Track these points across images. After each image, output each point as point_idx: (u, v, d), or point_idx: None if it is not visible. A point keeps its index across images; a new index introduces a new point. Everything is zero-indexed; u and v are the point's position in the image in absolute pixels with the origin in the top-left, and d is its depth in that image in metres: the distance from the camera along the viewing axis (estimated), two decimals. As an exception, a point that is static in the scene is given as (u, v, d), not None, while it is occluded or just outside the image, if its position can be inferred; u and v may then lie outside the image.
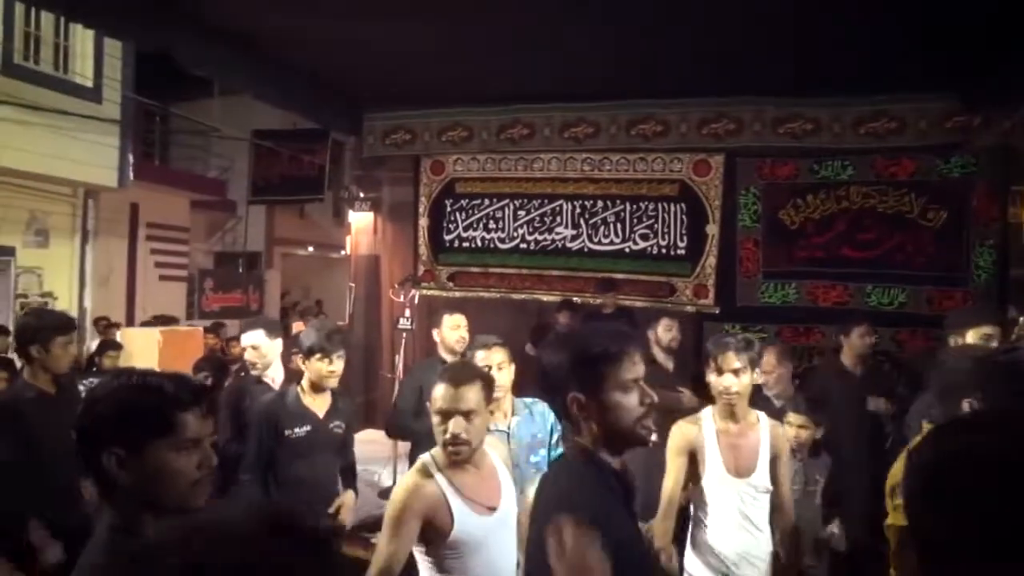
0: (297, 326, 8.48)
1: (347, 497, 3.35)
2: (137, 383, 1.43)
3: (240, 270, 12.26)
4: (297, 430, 3.15)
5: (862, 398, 4.31)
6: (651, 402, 1.59)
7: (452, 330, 3.95)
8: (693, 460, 2.84)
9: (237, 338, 7.65)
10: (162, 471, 1.35)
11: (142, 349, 5.69)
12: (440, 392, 2.16)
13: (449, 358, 3.91)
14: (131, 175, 8.84)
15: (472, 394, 2.16)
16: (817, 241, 6.08)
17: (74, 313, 8.87)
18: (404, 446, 4.55)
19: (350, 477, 3.54)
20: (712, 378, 2.81)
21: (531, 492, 2.91)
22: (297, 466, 3.15)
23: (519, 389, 3.23)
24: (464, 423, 2.12)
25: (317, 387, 3.24)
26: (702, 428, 2.86)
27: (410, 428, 3.80)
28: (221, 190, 11.53)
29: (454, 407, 2.13)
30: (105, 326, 7.99)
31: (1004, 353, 2.13)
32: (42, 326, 3.15)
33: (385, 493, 4.41)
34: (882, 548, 2.29)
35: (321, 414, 3.24)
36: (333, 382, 3.25)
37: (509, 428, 3.04)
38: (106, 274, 9.49)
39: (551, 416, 3.11)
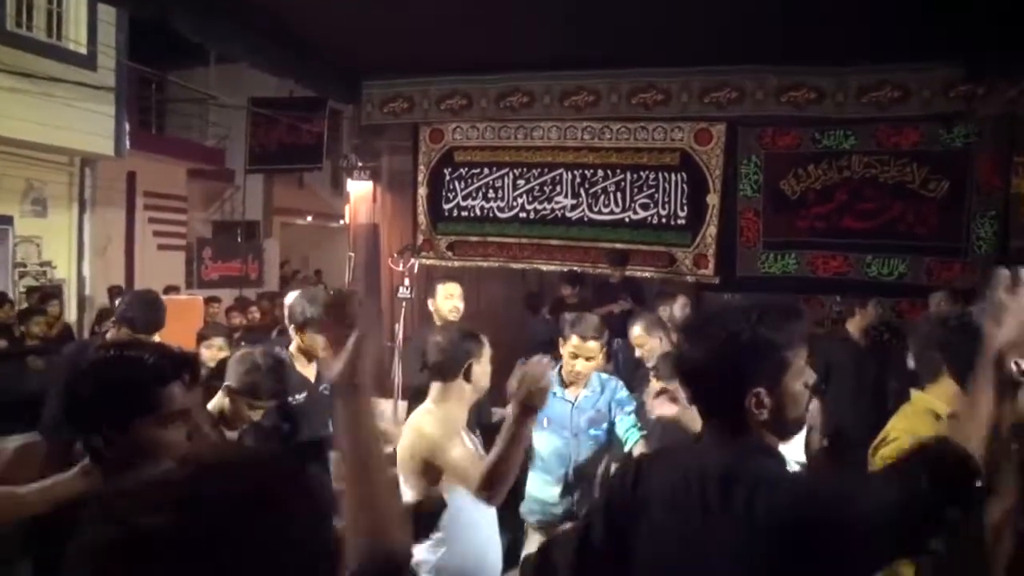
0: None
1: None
2: (117, 358, 1.40)
3: (239, 239, 12.23)
4: (297, 396, 3.14)
5: (868, 369, 4.32)
6: (812, 383, 1.43)
7: (446, 299, 3.98)
8: None
9: (236, 308, 7.68)
10: (149, 446, 1.34)
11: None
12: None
13: None
14: (127, 144, 8.77)
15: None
16: (818, 211, 6.06)
17: (73, 282, 8.88)
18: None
19: None
20: None
21: (584, 463, 2.97)
22: (300, 432, 3.14)
23: (519, 354, 3.25)
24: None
25: (309, 356, 3.22)
26: None
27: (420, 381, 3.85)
28: (219, 159, 11.45)
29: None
30: (116, 294, 7.98)
31: (960, 314, 2.13)
32: None
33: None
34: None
35: (312, 379, 3.23)
36: (325, 354, 3.24)
37: (576, 399, 3.08)
38: (104, 243, 9.46)
39: (622, 393, 3.16)
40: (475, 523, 2.27)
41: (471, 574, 2.26)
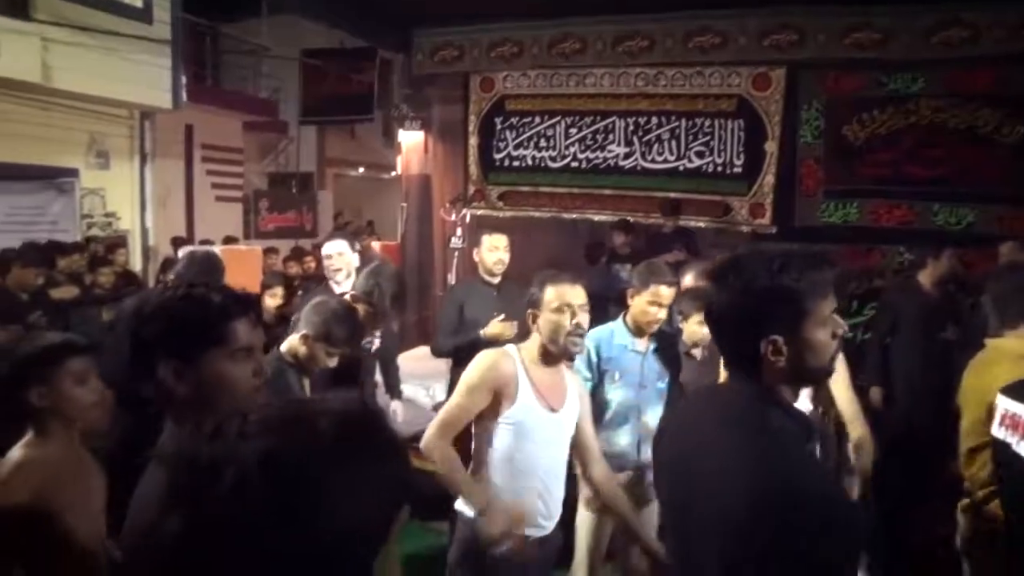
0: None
1: (396, 407, 3.49)
2: (185, 296, 1.42)
3: (293, 191, 12.41)
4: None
5: (939, 322, 4.18)
6: (842, 333, 1.42)
7: (490, 251, 3.94)
8: None
9: (293, 258, 7.84)
10: (218, 380, 1.36)
11: (203, 268, 5.88)
12: (560, 289, 2.35)
13: (488, 279, 3.94)
14: (184, 96, 8.89)
15: (582, 292, 2.36)
16: (882, 158, 5.84)
17: (137, 233, 9.16)
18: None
19: (394, 388, 3.68)
20: None
21: (651, 415, 2.98)
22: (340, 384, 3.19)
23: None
24: (583, 315, 2.33)
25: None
26: None
27: (451, 345, 3.86)
28: (273, 110, 11.55)
29: (575, 301, 2.33)
30: (179, 245, 8.22)
31: None
32: None
33: (439, 407, 4.54)
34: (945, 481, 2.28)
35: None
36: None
37: (645, 351, 3.06)
38: (164, 195, 9.70)
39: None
40: (517, 466, 2.31)
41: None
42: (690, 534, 1.38)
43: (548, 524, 2.38)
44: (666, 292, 2.97)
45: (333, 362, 2.70)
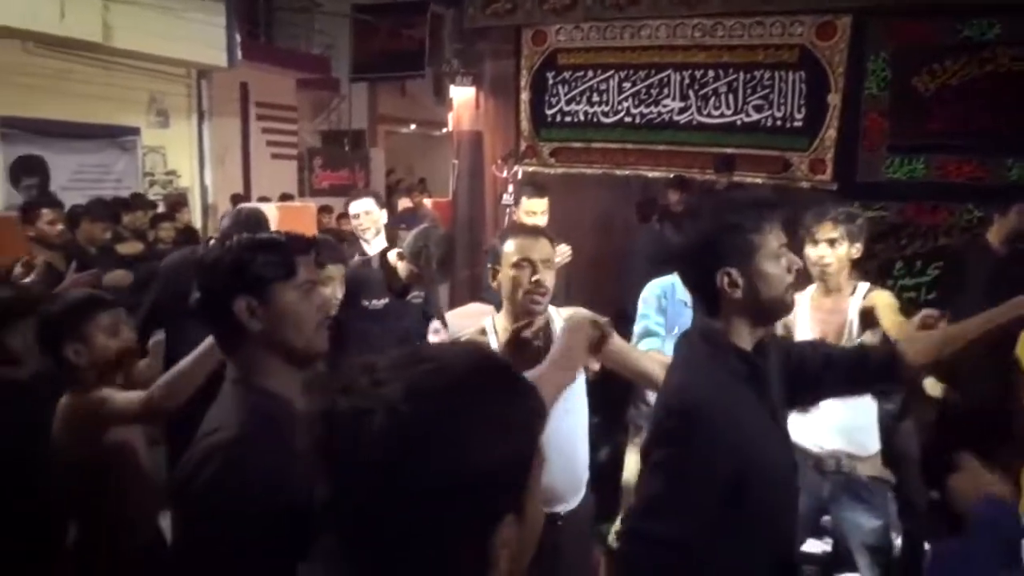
0: (403, 203, 8.66)
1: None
2: (251, 238, 1.48)
3: (346, 149, 12.51)
4: (375, 301, 3.17)
5: (1008, 281, 4.00)
6: (798, 268, 1.57)
7: (527, 215, 3.88)
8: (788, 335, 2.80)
9: (346, 215, 7.93)
10: (289, 313, 1.40)
11: (260, 224, 6.00)
12: (521, 242, 2.13)
13: None
14: (239, 54, 8.99)
15: (547, 246, 2.15)
16: (953, 110, 5.55)
17: (196, 190, 9.38)
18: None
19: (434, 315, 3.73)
20: (808, 249, 2.70)
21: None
22: (373, 338, 3.07)
23: (624, 263, 3.23)
24: (546, 272, 2.12)
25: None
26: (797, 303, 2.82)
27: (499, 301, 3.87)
28: (325, 67, 11.58)
29: (537, 256, 2.10)
30: (238, 201, 8.41)
31: None
32: None
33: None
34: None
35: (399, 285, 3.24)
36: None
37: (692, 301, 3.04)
38: (222, 153, 9.88)
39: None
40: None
41: None
42: None
43: (574, 498, 2.25)
44: None
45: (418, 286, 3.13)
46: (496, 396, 0.77)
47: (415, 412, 0.72)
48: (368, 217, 3.79)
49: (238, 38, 8.89)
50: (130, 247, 5.46)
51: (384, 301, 3.19)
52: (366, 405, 0.73)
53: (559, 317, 2.22)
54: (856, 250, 2.75)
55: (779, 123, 6.08)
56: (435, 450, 0.71)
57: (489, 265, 2.22)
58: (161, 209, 7.20)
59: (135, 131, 8.69)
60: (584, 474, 2.31)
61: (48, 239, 3.71)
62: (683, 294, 2.91)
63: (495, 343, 2.17)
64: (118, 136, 8.49)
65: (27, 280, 3.13)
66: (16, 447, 1.90)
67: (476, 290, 7.66)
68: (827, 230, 2.67)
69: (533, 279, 2.09)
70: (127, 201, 6.66)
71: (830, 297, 2.77)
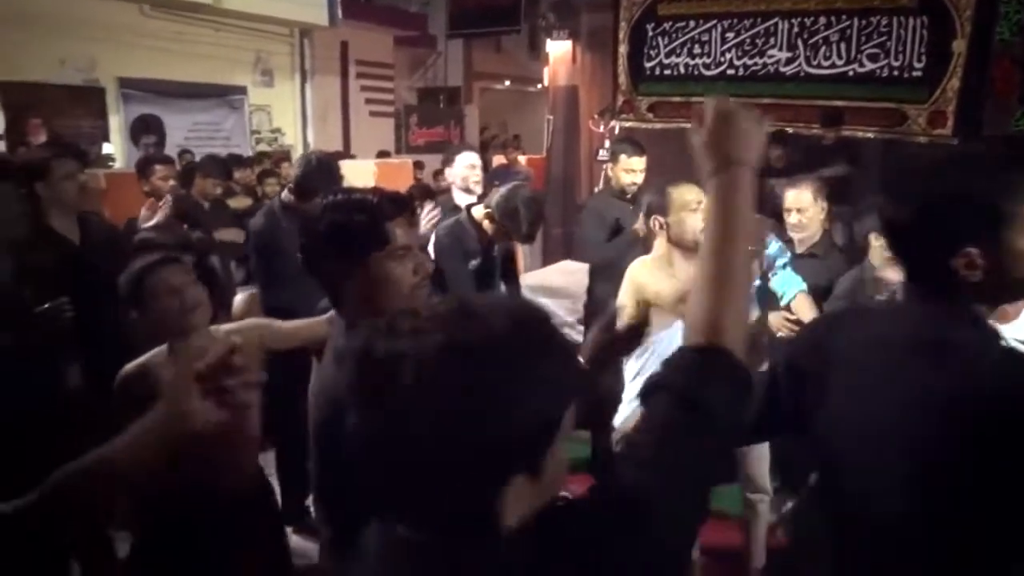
0: (497, 159, 8.68)
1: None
2: (346, 201, 1.48)
3: (441, 105, 12.59)
4: (473, 262, 3.20)
5: None
6: None
7: (626, 172, 3.86)
8: None
9: (442, 172, 8.03)
10: (382, 280, 1.42)
11: (360, 179, 6.14)
12: (685, 189, 2.50)
13: (621, 195, 3.90)
14: (340, 13, 9.15)
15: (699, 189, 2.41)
16: (1097, 56, 5.06)
17: (300, 147, 9.70)
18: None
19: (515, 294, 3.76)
20: None
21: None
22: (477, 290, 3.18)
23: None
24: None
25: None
26: None
27: (600, 256, 3.84)
28: (422, 24, 11.65)
29: (700, 199, 2.41)
30: (337, 159, 8.66)
31: None
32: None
33: (582, 320, 4.59)
34: None
35: (486, 242, 3.26)
36: None
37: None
38: (323, 111, 10.15)
39: (773, 246, 3.05)
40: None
41: None
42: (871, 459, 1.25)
43: None
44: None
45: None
46: (528, 361, 0.76)
47: (443, 365, 0.73)
48: (473, 171, 3.79)
49: (338, -3, 9.04)
50: (239, 201, 5.74)
51: (478, 260, 3.22)
52: (400, 350, 0.74)
53: None
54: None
55: (896, 73, 5.69)
56: (453, 405, 0.72)
57: (651, 218, 2.57)
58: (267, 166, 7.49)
59: (243, 90, 9.04)
60: None
61: (160, 193, 3.83)
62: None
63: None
64: (227, 95, 8.85)
65: (154, 220, 3.27)
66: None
67: (569, 246, 7.65)
68: None
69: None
70: (238, 158, 6.97)
71: None
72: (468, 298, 0.81)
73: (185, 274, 2.01)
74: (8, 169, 2.36)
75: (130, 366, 1.99)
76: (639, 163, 3.86)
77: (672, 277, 2.57)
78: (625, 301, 2.59)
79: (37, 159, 2.80)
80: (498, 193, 3.14)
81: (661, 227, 2.53)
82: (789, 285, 2.96)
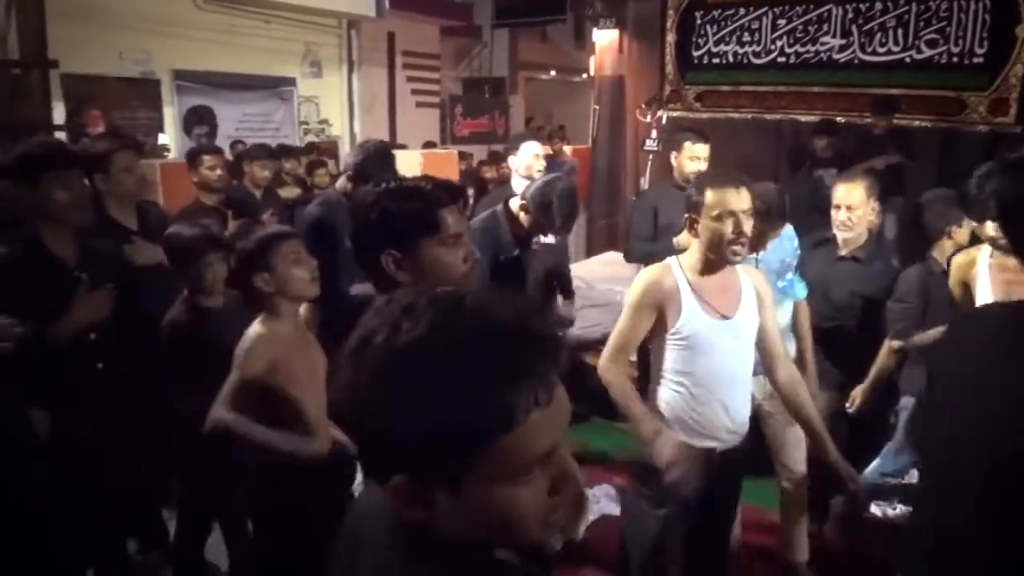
0: (544, 150, 8.64)
1: (564, 306, 3.59)
2: (399, 188, 1.50)
3: (486, 96, 12.60)
4: (505, 255, 3.15)
5: None
6: None
7: (691, 160, 3.79)
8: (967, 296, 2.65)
9: (489, 163, 8.05)
10: (433, 266, 1.44)
11: (406, 170, 6.20)
12: (722, 194, 2.16)
13: (683, 185, 3.80)
14: (387, 3, 9.21)
15: (747, 195, 2.18)
16: None
17: (347, 138, 9.81)
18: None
19: (565, 285, 3.75)
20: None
21: (782, 312, 2.90)
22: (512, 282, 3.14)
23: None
24: (747, 222, 2.16)
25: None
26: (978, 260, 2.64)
27: (648, 251, 3.80)
28: (468, 14, 11.65)
29: (739, 207, 2.14)
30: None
31: None
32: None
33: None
34: None
35: (524, 236, 3.22)
36: None
37: (757, 255, 2.95)
38: (370, 102, 10.24)
39: (795, 240, 3.01)
40: (696, 379, 2.25)
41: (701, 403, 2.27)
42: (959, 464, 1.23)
43: (732, 437, 2.30)
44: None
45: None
46: (478, 370, 0.69)
47: (396, 353, 0.71)
48: (538, 159, 3.79)
49: (385, -13, 9.10)
50: (289, 191, 5.84)
51: (515, 252, 3.20)
52: (376, 327, 0.73)
53: (744, 272, 2.32)
54: None
55: (955, 59, 5.51)
56: (389, 394, 0.70)
57: (686, 215, 2.25)
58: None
59: (292, 82, 9.17)
60: (745, 415, 2.33)
61: (209, 184, 3.92)
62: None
63: (682, 282, 2.24)
64: (277, 87, 9.00)
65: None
66: (210, 363, 2.12)
67: (613, 238, 7.61)
68: None
69: (736, 231, 2.14)
70: (288, 148, 7.10)
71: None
72: (476, 293, 0.77)
73: (303, 249, 2.15)
74: (75, 158, 2.44)
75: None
76: (703, 150, 3.80)
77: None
78: (629, 321, 2.28)
79: (99, 151, 2.90)
80: (534, 186, 3.13)
81: (692, 227, 2.24)
82: (792, 294, 2.93)
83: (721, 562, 2.50)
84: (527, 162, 3.76)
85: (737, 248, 2.16)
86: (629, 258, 4.08)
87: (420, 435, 0.69)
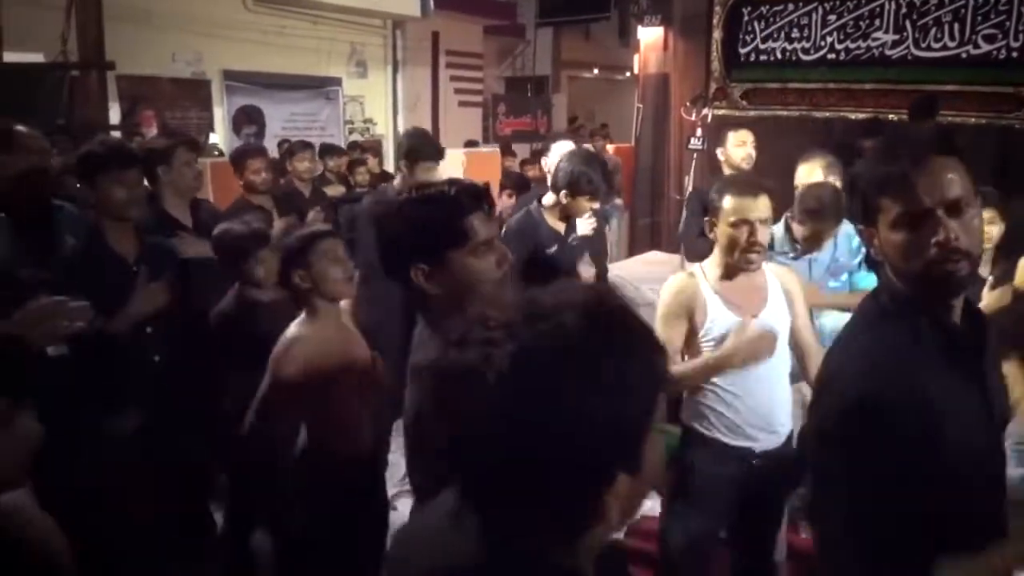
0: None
1: None
2: (420, 198, 1.45)
3: (528, 94, 12.60)
4: (549, 249, 3.16)
5: None
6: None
7: (737, 146, 3.79)
8: None
9: (531, 161, 8.05)
10: (466, 276, 1.40)
11: (449, 168, 6.22)
12: (740, 203, 2.14)
13: None
14: (431, 3, 9.28)
15: (765, 203, 2.17)
16: None
17: (391, 137, 9.92)
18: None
19: (600, 276, 3.72)
20: None
21: (825, 319, 2.84)
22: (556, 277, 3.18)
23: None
24: (763, 231, 2.15)
25: (565, 214, 3.18)
26: None
27: (704, 248, 3.76)
28: (511, 14, 11.68)
29: (756, 215, 2.13)
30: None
31: None
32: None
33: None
34: None
35: (562, 231, 3.23)
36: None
37: (812, 255, 2.92)
38: (414, 101, 10.33)
39: (856, 239, 2.93)
40: (731, 382, 2.23)
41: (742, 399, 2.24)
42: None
43: (770, 438, 2.26)
44: None
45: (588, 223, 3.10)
46: (610, 361, 0.73)
47: (524, 380, 0.71)
48: None
49: (430, -13, 9.16)
50: (333, 189, 5.94)
51: (555, 247, 3.19)
52: (477, 364, 0.72)
53: (772, 272, 2.30)
54: None
55: (1015, 54, 5.33)
56: (543, 417, 0.70)
57: (707, 218, 2.26)
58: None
59: (337, 81, 9.30)
60: (779, 417, 2.28)
61: (254, 186, 3.96)
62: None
63: (705, 285, 2.25)
64: (323, 87, 9.13)
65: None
66: (258, 356, 2.16)
67: (656, 237, 7.55)
68: None
69: (749, 240, 2.13)
70: (331, 147, 7.20)
71: None
72: (537, 297, 0.78)
73: (343, 249, 2.20)
74: (134, 156, 2.53)
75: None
76: (748, 135, 3.82)
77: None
78: (664, 331, 2.22)
79: (162, 146, 3.03)
80: (556, 172, 3.09)
81: (711, 230, 2.22)
82: (865, 285, 2.89)
83: (766, 565, 2.46)
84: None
85: (751, 256, 2.15)
86: (691, 257, 4.06)
87: (613, 430, 0.73)
